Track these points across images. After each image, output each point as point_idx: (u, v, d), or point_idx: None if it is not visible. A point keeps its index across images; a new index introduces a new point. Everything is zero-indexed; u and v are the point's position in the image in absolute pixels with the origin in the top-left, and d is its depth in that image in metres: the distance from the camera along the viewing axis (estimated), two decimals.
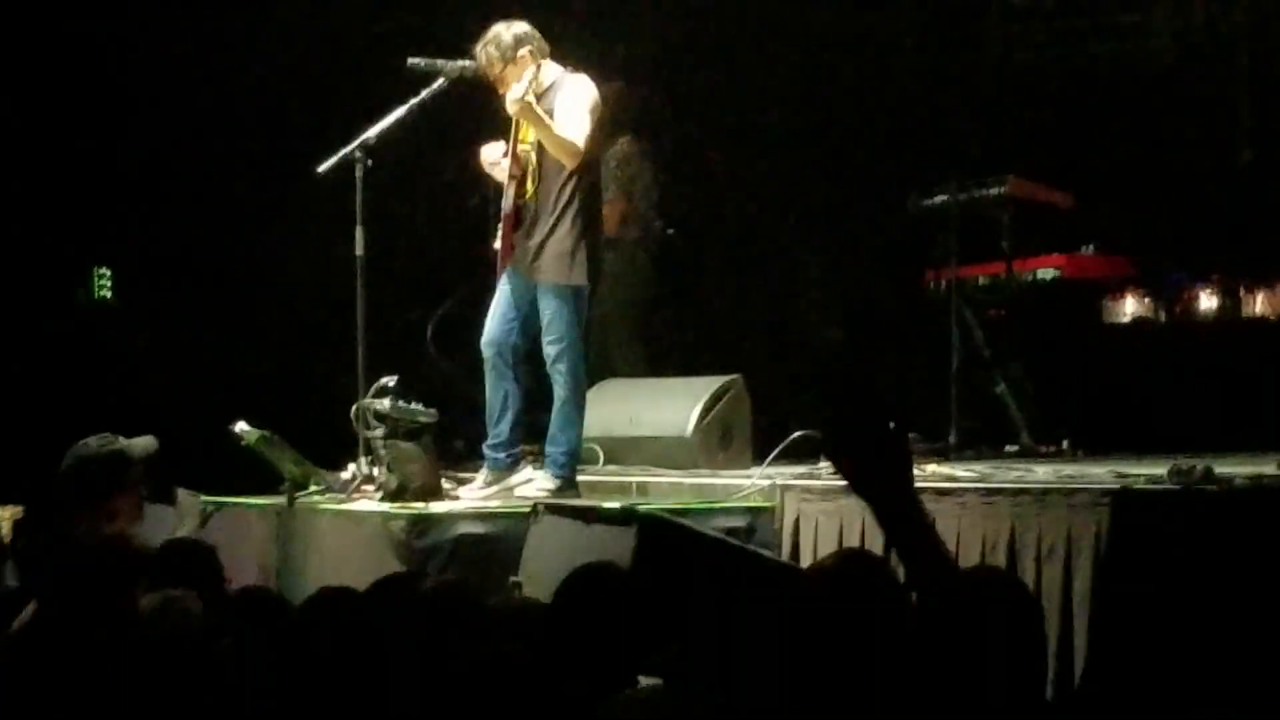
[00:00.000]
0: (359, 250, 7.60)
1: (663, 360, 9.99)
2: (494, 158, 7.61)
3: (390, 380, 7.53)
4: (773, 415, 8.96)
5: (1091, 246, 9.37)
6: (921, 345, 9.71)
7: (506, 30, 7.52)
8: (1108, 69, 10.68)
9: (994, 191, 9.03)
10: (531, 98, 7.30)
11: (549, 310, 7.49)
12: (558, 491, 7.43)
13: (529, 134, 7.52)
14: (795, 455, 8.27)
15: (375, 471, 7.47)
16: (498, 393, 7.61)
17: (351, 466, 7.63)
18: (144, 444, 6.66)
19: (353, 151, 7.48)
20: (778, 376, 10.18)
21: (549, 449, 7.61)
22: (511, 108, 7.36)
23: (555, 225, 7.48)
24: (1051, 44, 10.96)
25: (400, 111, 7.58)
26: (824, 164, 10.88)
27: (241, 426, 7.76)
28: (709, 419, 8.43)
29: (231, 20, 10.17)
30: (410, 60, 7.70)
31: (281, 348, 10.18)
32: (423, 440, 7.51)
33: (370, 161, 7.49)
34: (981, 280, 9.16)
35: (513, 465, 7.67)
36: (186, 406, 9.28)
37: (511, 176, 7.56)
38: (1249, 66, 10.26)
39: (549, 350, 7.50)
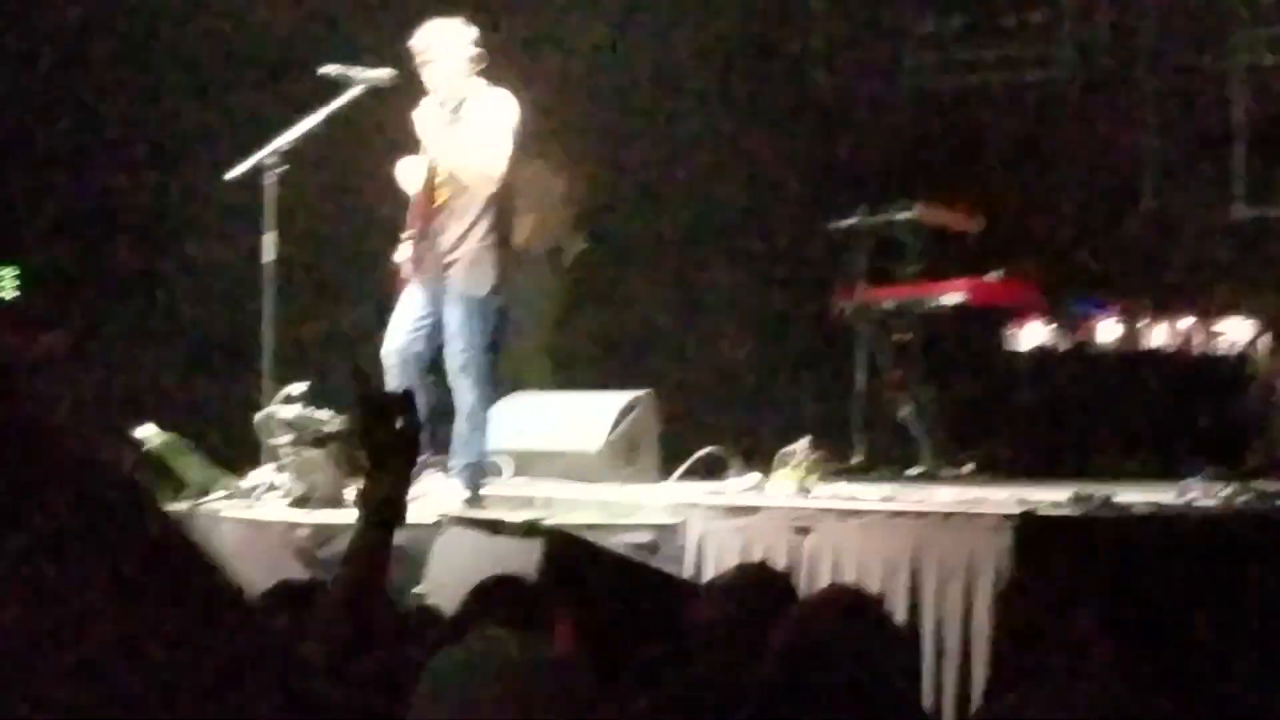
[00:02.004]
0: (268, 256, 7.56)
1: (572, 373, 10.00)
2: (411, 172, 7.59)
3: (297, 388, 7.51)
4: (681, 430, 9.00)
5: (999, 272, 9.45)
6: (828, 366, 9.77)
7: (443, 24, 7.47)
8: (1017, 96, 10.82)
9: (902, 216, 9.11)
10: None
11: (456, 319, 7.46)
12: (463, 503, 7.42)
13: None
14: (702, 471, 8.31)
15: (280, 479, 7.45)
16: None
17: (255, 473, 7.60)
18: None
19: (264, 157, 7.45)
20: (686, 391, 10.22)
21: (453, 460, 7.60)
22: (430, 144, 7.35)
23: (466, 235, 7.47)
24: (962, 70, 11.09)
25: (314, 119, 7.56)
26: (737, 183, 10.94)
27: (144, 431, 7.71)
28: (618, 433, 8.46)
29: (141, 24, 10.11)
30: (322, 68, 7.67)
31: (189, 353, 10.12)
32: (329, 448, 7.49)
33: (284, 168, 7.46)
34: (889, 303, 9.22)
35: (418, 475, 7.64)
36: (89, 409, 9.19)
37: (423, 186, 7.55)
38: (1154, 91, 10.42)
39: (456, 360, 7.47)
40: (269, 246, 7.56)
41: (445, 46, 7.44)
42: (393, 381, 7.57)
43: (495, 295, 7.53)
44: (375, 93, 7.69)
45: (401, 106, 7.70)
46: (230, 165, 7.61)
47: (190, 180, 9.43)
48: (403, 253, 7.69)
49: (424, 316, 7.55)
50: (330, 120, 7.60)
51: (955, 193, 9.90)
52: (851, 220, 9.16)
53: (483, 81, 7.52)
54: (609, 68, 10.80)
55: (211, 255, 9.85)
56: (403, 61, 7.56)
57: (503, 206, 7.57)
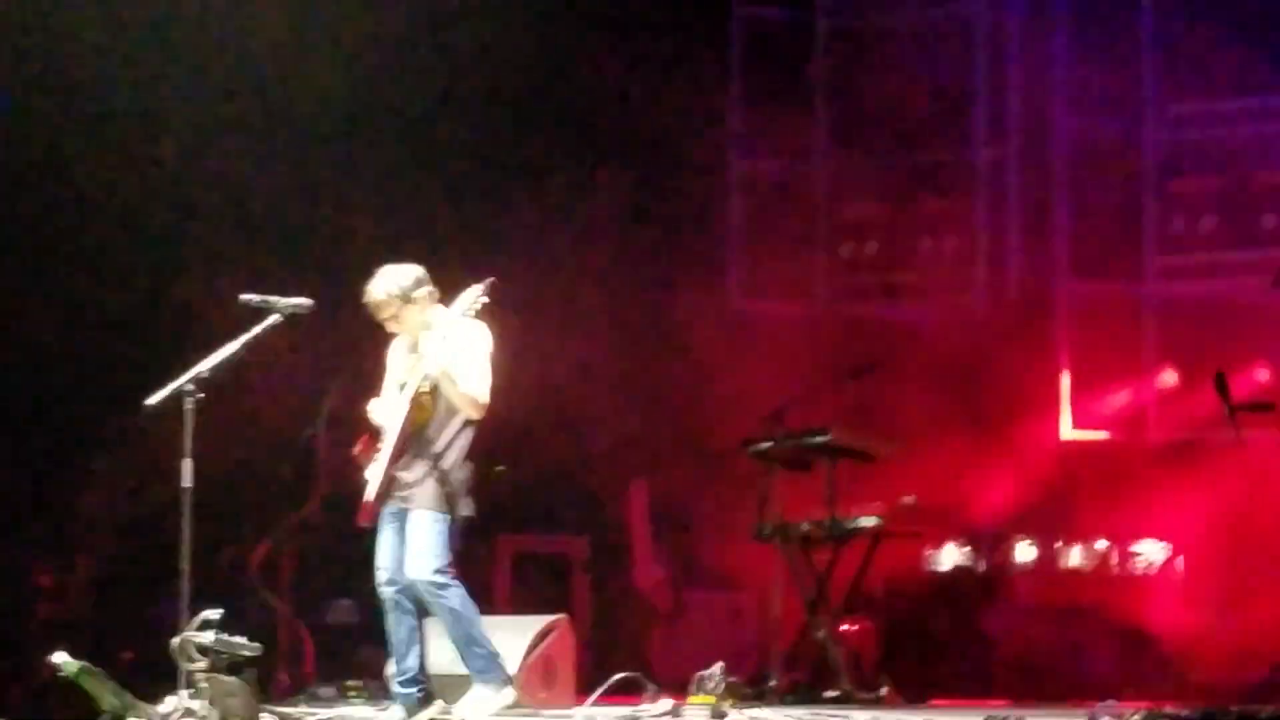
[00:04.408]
0: (186, 483, 7.54)
1: (487, 595, 10.01)
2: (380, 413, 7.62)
3: (213, 614, 7.47)
4: (596, 654, 9.02)
5: (913, 497, 9.54)
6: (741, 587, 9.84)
7: (402, 271, 7.58)
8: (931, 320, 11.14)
9: (817, 439, 9.22)
10: (442, 364, 7.39)
11: (439, 538, 7.45)
12: (506, 696, 7.43)
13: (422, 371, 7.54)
14: (617, 694, 8.32)
15: (196, 705, 7.38)
16: (401, 629, 7.56)
17: (170, 699, 7.52)
18: None
19: (184, 385, 7.45)
20: (601, 614, 10.26)
21: (469, 666, 7.56)
22: (430, 367, 7.42)
23: (441, 459, 7.49)
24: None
25: (234, 346, 7.59)
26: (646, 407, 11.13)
27: (60, 657, 7.65)
28: (533, 657, 8.44)
29: (59, 258, 10.23)
30: (243, 296, 7.70)
31: (103, 577, 10.08)
32: (245, 674, 7.44)
33: (202, 395, 7.46)
34: (805, 526, 9.28)
35: (427, 700, 7.61)
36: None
37: (403, 414, 7.55)
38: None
39: (438, 576, 7.44)
40: (187, 472, 7.52)
41: (408, 288, 7.53)
42: (391, 610, 7.53)
43: (469, 517, 7.56)
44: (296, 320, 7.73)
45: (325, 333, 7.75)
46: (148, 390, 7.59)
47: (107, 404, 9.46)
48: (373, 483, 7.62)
49: (403, 542, 7.55)
50: (252, 346, 7.62)
51: (865, 419, 10.08)
52: (767, 443, 9.28)
53: (452, 312, 7.56)
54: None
55: (131, 478, 9.86)
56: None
57: (472, 431, 7.60)
